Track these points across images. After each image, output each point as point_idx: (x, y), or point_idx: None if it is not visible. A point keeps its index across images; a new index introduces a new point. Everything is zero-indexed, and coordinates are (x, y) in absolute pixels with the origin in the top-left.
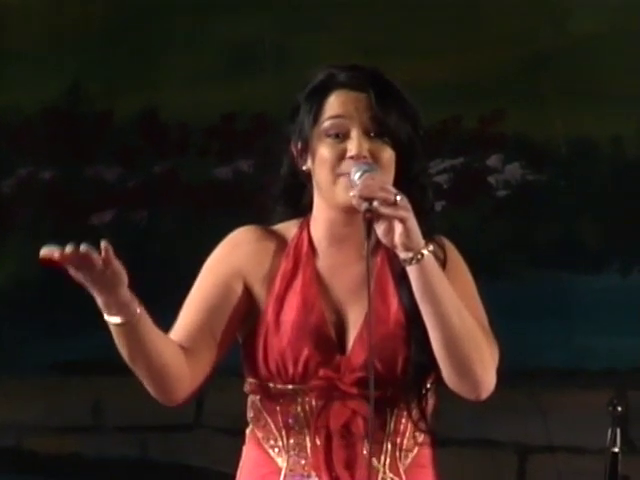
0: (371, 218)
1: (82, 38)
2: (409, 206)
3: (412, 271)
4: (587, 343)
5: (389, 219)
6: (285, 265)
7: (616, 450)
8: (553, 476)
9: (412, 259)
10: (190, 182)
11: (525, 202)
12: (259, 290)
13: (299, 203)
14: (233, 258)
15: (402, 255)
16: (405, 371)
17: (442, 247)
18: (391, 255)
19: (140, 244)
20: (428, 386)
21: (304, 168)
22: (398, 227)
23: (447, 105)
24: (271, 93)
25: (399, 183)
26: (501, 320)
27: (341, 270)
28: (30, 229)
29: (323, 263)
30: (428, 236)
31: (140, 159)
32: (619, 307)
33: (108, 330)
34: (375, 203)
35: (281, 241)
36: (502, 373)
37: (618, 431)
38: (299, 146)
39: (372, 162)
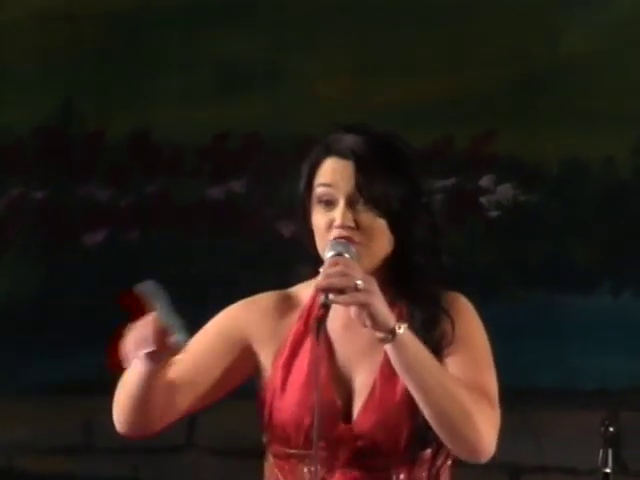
0: (321, 315)
1: (74, 58)
2: (373, 288)
3: (388, 350)
4: (579, 363)
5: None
6: (297, 328)
7: (608, 471)
8: None
9: (384, 339)
10: (182, 202)
11: (517, 222)
12: (267, 354)
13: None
14: (243, 321)
15: (376, 335)
16: (408, 444)
17: (449, 313)
18: None
19: (132, 264)
20: (440, 459)
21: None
22: (363, 311)
23: (438, 125)
24: (263, 112)
25: (401, 247)
26: (493, 339)
27: (353, 331)
28: (22, 249)
29: (334, 324)
30: (435, 300)
31: (132, 179)
32: (610, 327)
33: (99, 350)
34: (331, 296)
35: (296, 304)
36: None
37: (610, 451)
38: (300, 210)
39: (350, 240)
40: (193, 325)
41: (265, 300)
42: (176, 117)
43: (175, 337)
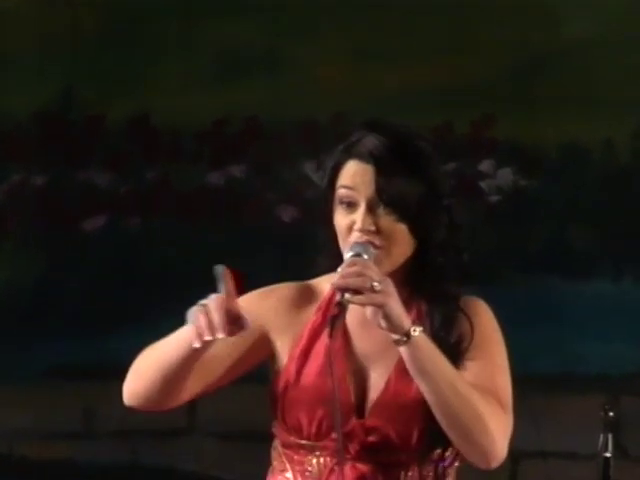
0: (337, 314)
1: (74, 44)
2: (389, 289)
3: (402, 352)
4: (579, 349)
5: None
6: (315, 319)
7: (608, 455)
8: None
9: (399, 341)
10: (182, 187)
11: (517, 207)
12: (283, 343)
13: (339, 252)
14: (261, 308)
15: (391, 337)
16: (419, 442)
17: (469, 317)
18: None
19: (132, 250)
20: (449, 457)
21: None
22: (379, 312)
23: (439, 111)
24: (262, 98)
25: (422, 248)
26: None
27: (370, 327)
28: (22, 235)
29: (352, 319)
30: (455, 303)
31: (132, 165)
32: (611, 313)
33: (99, 337)
34: (347, 295)
35: (316, 296)
36: None
37: (610, 436)
38: (324, 207)
39: (370, 241)
40: None
41: (284, 289)
42: (176, 102)
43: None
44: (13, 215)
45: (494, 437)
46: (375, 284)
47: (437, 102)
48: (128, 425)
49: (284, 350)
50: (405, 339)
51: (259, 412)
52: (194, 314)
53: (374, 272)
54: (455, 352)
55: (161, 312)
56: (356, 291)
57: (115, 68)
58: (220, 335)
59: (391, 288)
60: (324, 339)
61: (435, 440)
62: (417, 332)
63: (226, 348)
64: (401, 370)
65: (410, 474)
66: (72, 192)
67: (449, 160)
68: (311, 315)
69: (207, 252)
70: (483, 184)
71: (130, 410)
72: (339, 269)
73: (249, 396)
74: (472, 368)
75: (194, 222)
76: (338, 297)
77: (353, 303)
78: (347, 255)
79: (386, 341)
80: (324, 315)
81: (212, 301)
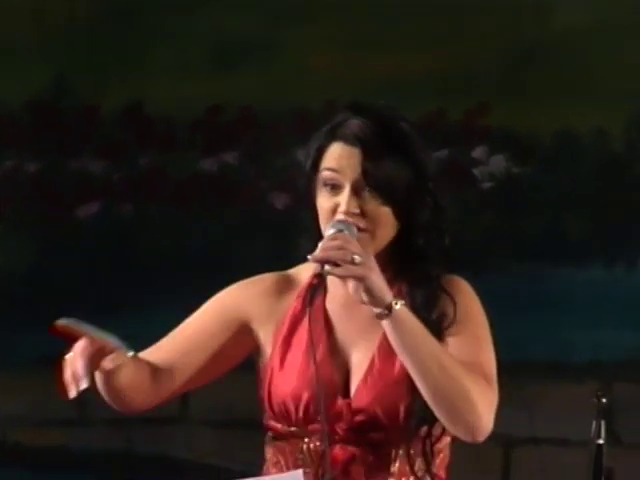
0: (316, 284)
1: (67, 31)
2: (370, 263)
3: (385, 326)
4: (572, 336)
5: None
6: (295, 306)
7: (601, 442)
8: (538, 468)
9: (380, 314)
10: (175, 175)
11: (510, 194)
12: (266, 333)
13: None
14: (241, 299)
15: (374, 310)
16: (407, 419)
17: (451, 296)
18: None
19: (125, 237)
20: (433, 432)
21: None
22: (360, 285)
23: (432, 98)
24: (256, 86)
25: (406, 230)
26: (485, 312)
27: (351, 310)
28: (15, 222)
29: (333, 302)
30: (437, 282)
31: (125, 152)
32: (603, 300)
33: (93, 323)
34: (327, 267)
35: (295, 284)
36: None
37: (603, 423)
38: (306, 189)
39: (355, 220)
40: (188, 298)
41: (264, 280)
42: (169, 90)
43: (116, 344)
44: (6, 202)
45: (479, 411)
46: (356, 257)
47: (430, 90)
48: (122, 413)
49: (267, 340)
50: (387, 312)
51: (252, 400)
52: (65, 365)
53: (355, 246)
54: (437, 330)
55: (154, 299)
56: (336, 264)
57: (109, 56)
58: (84, 385)
59: (372, 262)
60: (305, 325)
61: (422, 417)
62: (399, 305)
63: (207, 339)
64: (384, 349)
65: (400, 452)
66: (65, 179)
67: (442, 147)
68: (291, 303)
69: (200, 239)
70: (476, 171)
71: None
72: (320, 244)
73: (242, 384)
74: (455, 344)
75: (187, 209)
76: (318, 268)
77: (333, 275)
78: (329, 232)
79: (368, 322)
80: (304, 302)
81: (74, 352)
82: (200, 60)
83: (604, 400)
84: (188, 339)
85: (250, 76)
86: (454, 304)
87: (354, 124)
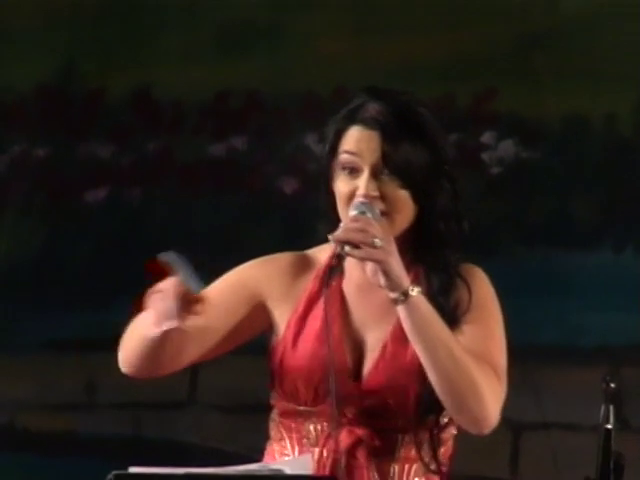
0: (335, 265)
1: (76, 16)
2: (390, 248)
3: (400, 311)
4: (580, 320)
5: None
6: (312, 287)
7: (609, 427)
8: (547, 453)
9: (397, 300)
10: (184, 160)
11: (518, 179)
12: (281, 312)
13: (339, 220)
14: (258, 277)
15: (389, 295)
16: (416, 407)
17: (467, 283)
18: None
19: (134, 222)
20: (442, 422)
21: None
22: (378, 269)
23: (440, 83)
24: (264, 71)
25: (424, 216)
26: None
27: (367, 292)
28: (23, 207)
29: (350, 285)
30: (454, 269)
31: (134, 137)
32: (612, 284)
33: (101, 308)
34: (347, 248)
35: (313, 265)
36: None
37: (611, 408)
38: (324, 173)
39: (374, 203)
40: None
41: (282, 259)
42: (178, 75)
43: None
44: (14, 187)
45: (487, 404)
46: (376, 240)
47: (439, 75)
48: (130, 397)
49: (283, 319)
50: (403, 298)
51: (260, 384)
52: (152, 300)
53: (376, 229)
54: (452, 317)
55: None
56: (356, 246)
57: (117, 41)
58: (174, 324)
59: (392, 246)
60: (321, 306)
61: (430, 405)
62: (415, 292)
63: (223, 318)
64: (397, 335)
65: (406, 439)
66: (74, 164)
67: (451, 132)
68: (308, 283)
69: (209, 223)
70: (485, 156)
71: (132, 381)
72: (341, 225)
73: (250, 368)
74: (468, 333)
75: (195, 194)
76: (337, 249)
77: (352, 256)
78: (351, 213)
79: (383, 306)
80: (321, 283)
81: (168, 288)
82: (208, 45)
83: (613, 385)
84: (208, 314)
85: (258, 61)
86: (470, 292)
87: (373, 108)
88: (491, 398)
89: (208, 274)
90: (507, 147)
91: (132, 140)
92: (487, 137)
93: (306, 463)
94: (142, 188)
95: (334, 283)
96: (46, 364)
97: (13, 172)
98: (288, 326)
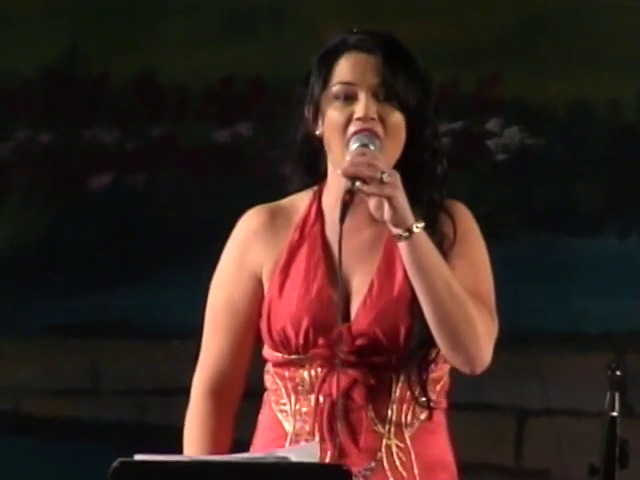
0: (348, 200)
1: (79, 1)
2: (398, 183)
3: (402, 247)
4: (585, 306)
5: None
6: (292, 237)
7: (614, 414)
8: (551, 440)
9: (401, 236)
10: (188, 146)
11: (523, 166)
12: (268, 266)
13: (316, 169)
14: (246, 255)
15: (393, 231)
16: (408, 341)
17: (452, 218)
18: None
19: (138, 207)
20: (432, 357)
21: (317, 133)
22: (385, 204)
23: (445, 69)
24: (269, 56)
25: (410, 148)
26: (499, 283)
27: (350, 235)
28: (28, 192)
29: (331, 230)
30: (439, 204)
31: (138, 123)
32: (617, 270)
33: (105, 294)
34: (358, 183)
35: (291, 215)
36: (500, 337)
37: (616, 395)
38: (311, 110)
39: (374, 133)
40: (201, 269)
41: (255, 219)
42: (182, 61)
43: None
44: (18, 172)
45: (482, 342)
46: (385, 175)
47: (443, 61)
48: (134, 383)
49: (267, 274)
50: (407, 234)
51: (261, 372)
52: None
53: (382, 163)
54: (440, 251)
55: (167, 269)
56: (365, 181)
57: (121, 26)
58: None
59: (399, 181)
60: (304, 253)
61: (421, 339)
62: (418, 228)
63: (250, 305)
64: (383, 272)
65: (401, 378)
66: (78, 150)
67: (456, 119)
68: (289, 234)
69: (213, 210)
70: (490, 143)
71: (136, 367)
72: (347, 157)
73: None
74: (457, 269)
75: (200, 180)
76: (348, 185)
77: (362, 192)
78: (353, 145)
79: (367, 246)
80: (302, 232)
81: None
82: (212, 30)
83: (617, 372)
84: (237, 333)
85: (263, 46)
86: (454, 227)
87: (366, 37)
88: (485, 337)
89: (213, 259)
90: (512, 134)
91: (136, 126)
92: (492, 124)
93: (313, 451)
94: (146, 174)
95: (315, 229)
96: (50, 349)
97: (17, 158)
98: (272, 278)
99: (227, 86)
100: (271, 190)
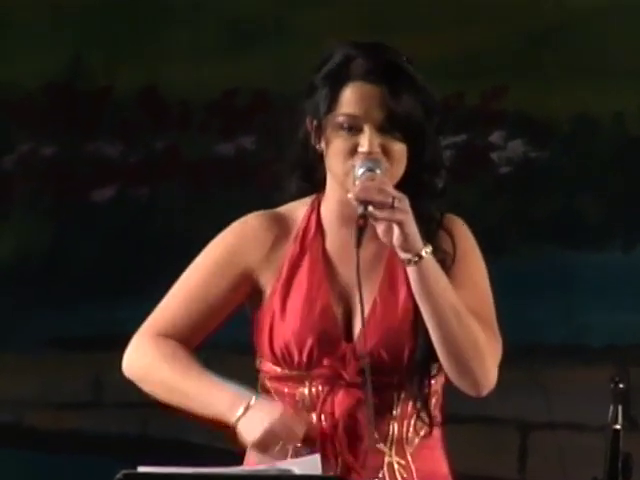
0: (363, 225)
1: (83, 13)
2: (407, 208)
3: (410, 272)
4: (588, 319)
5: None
6: (293, 249)
7: (618, 427)
8: (554, 453)
9: (410, 261)
10: (191, 158)
11: (527, 178)
12: (267, 278)
13: (313, 177)
14: (240, 252)
15: (401, 255)
16: (411, 360)
17: (451, 234)
18: None
19: (141, 220)
20: (433, 373)
21: (317, 147)
22: (396, 229)
23: (449, 81)
24: (272, 69)
25: (411, 169)
26: (502, 296)
27: (351, 252)
28: (31, 205)
29: (332, 245)
30: (438, 220)
31: (141, 135)
32: (621, 283)
33: (108, 306)
34: (370, 208)
35: (290, 224)
36: (503, 350)
37: (620, 408)
38: (314, 125)
39: (380, 158)
40: None
41: (255, 223)
42: (185, 73)
43: None
44: (22, 185)
45: (488, 366)
46: (395, 201)
47: (447, 73)
48: (136, 396)
49: (267, 285)
50: (417, 259)
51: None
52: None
53: (392, 189)
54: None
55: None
56: (376, 206)
57: (124, 38)
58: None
59: (408, 206)
60: (305, 268)
61: (425, 357)
62: (427, 253)
63: (214, 296)
64: (386, 291)
65: (402, 395)
66: (81, 162)
67: (460, 132)
68: (288, 246)
69: (216, 222)
70: (494, 155)
71: None
72: (356, 181)
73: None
74: (458, 288)
75: (203, 192)
76: (361, 210)
77: (374, 217)
78: (360, 170)
79: (369, 264)
80: (302, 245)
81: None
82: (216, 42)
83: (621, 385)
84: (201, 312)
85: (266, 59)
86: (454, 244)
87: (368, 62)
88: (491, 361)
89: None
90: (516, 147)
91: (139, 138)
92: (496, 137)
93: (315, 463)
94: (149, 186)
95: (315, 245)
96: (52, 362)
97: (20, 170)
98: (274, 292)
99: (230, 99)
100: (274, 203)
